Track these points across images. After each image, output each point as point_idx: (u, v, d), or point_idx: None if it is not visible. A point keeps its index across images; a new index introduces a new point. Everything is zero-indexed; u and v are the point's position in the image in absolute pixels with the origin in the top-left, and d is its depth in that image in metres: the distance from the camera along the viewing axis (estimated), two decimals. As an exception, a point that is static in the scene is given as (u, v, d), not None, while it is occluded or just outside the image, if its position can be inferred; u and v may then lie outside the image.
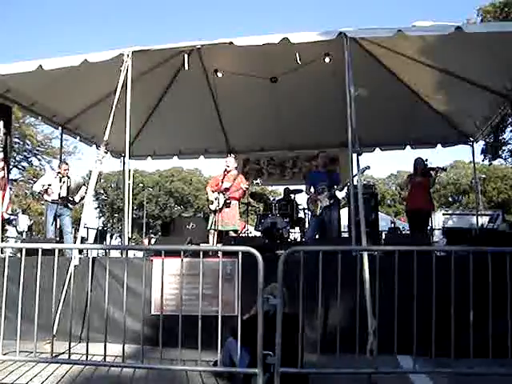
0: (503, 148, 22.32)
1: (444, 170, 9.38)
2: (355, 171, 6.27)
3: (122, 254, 8.92)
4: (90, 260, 6.06)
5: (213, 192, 8.51)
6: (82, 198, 8.80)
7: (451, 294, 4.16)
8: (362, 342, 4.64)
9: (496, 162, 27.85)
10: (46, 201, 8.67)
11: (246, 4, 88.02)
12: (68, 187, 8.65)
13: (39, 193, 8.88)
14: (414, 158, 9.11)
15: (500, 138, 21.20)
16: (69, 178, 8.76)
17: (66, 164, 9.18)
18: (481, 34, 6.31)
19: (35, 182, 9.56)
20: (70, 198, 8.72)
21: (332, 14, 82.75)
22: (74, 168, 9.15)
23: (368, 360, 4.47)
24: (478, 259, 4.28)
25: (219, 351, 4.31)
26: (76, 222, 8.88)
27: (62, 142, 11.97)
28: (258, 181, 8.73)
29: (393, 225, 14.86)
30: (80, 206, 10.92)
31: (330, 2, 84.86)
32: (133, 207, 11.69)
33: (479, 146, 18.79)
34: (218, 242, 8.15)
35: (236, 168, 8.73)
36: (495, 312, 4.16)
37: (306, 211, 9.81)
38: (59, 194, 8.58)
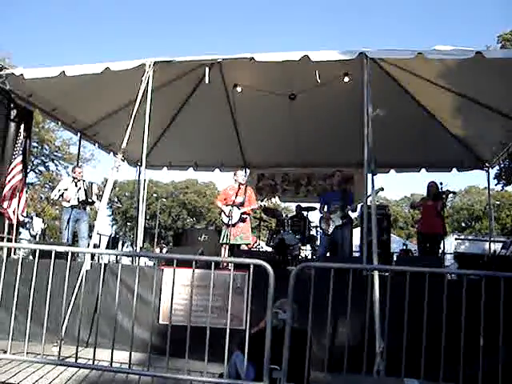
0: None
1: (454, 193, 9.34)
2: (369, 191, 6.28)
3: (133, 262, 8.95)
4: (102, 266, 6.09)
5: (226, 206, 8.46)
6: (98, 196, 8.88)
7: (462, 319, 4.13)
8: (370, 363, 4.61)
9: (510, 189, 27.63)
10: (64, 206, 8.73)
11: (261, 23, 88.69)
12: (85, 190, 8.71)
13: (58, 199, 8.92)
14: (428, 182, 9.12)
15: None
16: (84, 181, 8.83)
17: (80, 168, 9.27)
18: (500, 59, 6.32)
19: (53, 190, 9.62)
20: (88, 200, 8.77)
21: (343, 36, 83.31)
22: (88, 175, 9.22)
23: (375, 381, 4.45)
24: (489, 285, 4.23)
25: (225, 364, 4.30)
26: (89, 229, 8.93)
27: (79, 148, 12.05)
28: (277, 199, 8.68)
29: (405, 247, 14.71)
30: (94, 213, 11.00)
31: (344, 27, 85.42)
32: (146, 217, 11.73)
33: (493, 170, 18.68)
34: (229, 256, 8.13)
35: (245, 182, 8.70)
36: (506, 339, 4.11)
37: (318, 229, 9.79)
38: (78, 199, 8.64)
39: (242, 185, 8.41)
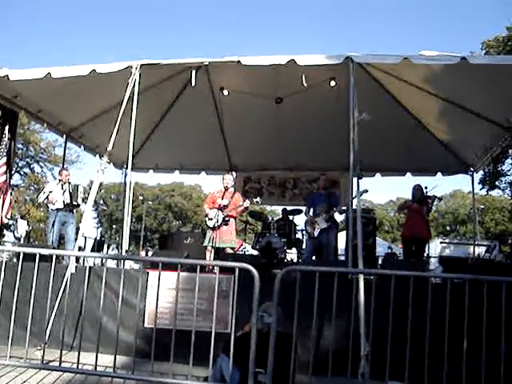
0: (501, 179, 22.42)
1: (440, 199, 9.39)
2: (355, 194, 6.33)
3: (118, 265, 8.90)
4: (87, 269, 6.05)
5: (210, 209, 8.45)
6: (85, 199, 8.80)
7: (446, 322, 4.16)
8: (355, 366, 4.62)
9: (495, 193, 27.92)
10: (50, 209, 8.65)
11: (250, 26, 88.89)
12: (70, 193, 8.65)
13: (44, 202, 8.84)
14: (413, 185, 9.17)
15: (499, 168, 21.30)
16: (70, 183, 8.77)
17: (67, 170, 9.20)
18: (484, 65, 6.39)
19: (39, 192, 9.53)
20: (74, 203, 8.72)
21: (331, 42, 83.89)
22: (74, 177, 9.15)
23: (359, 384, 4.46)
24: (473, 288, 4.27)
25: (210, 367, 4.29)
26: (76, 231, 8.86)
27: (65, 150, 11.93)
28: (258, 199, 8.69)
29: (390, 250, 14.81)
30: (79, 216, 10.93)
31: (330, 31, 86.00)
32: (131, 220, 11.70)
33: (478, 175, 18.86)
34: (214, 259, 8.12)
35: (233, 186, 8.72)
36: (489, 341, 4.15)
37: (304, 232, 9.82)
38: (63, 202, 8.58)
39: (228, 189, 8.41)
